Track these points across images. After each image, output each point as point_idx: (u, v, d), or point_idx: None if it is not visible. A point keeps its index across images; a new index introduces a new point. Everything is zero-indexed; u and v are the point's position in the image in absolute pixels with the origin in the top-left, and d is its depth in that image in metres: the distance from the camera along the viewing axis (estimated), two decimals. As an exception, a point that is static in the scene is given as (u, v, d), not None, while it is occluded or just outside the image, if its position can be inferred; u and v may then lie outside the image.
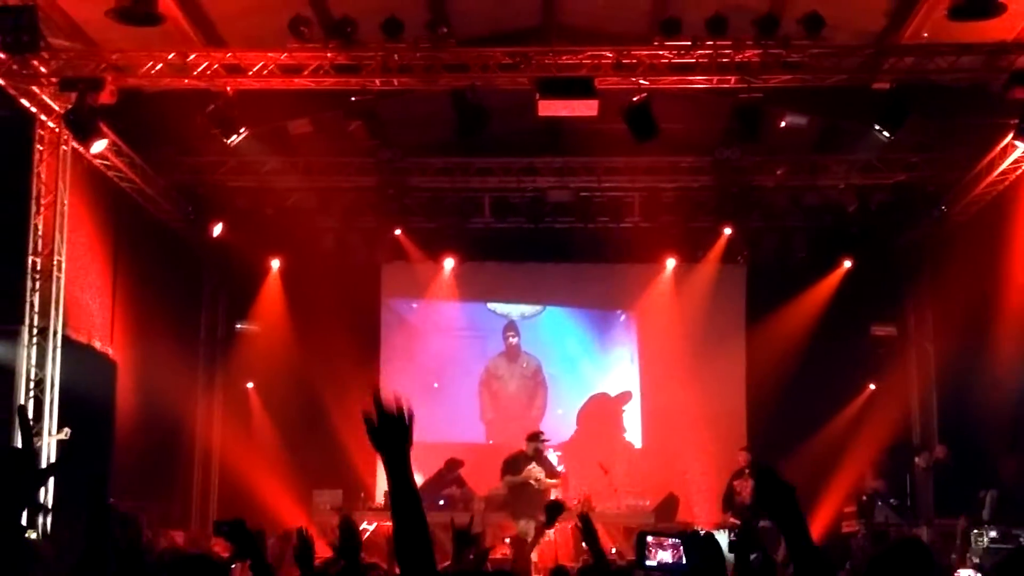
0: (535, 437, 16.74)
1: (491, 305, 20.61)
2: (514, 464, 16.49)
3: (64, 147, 14.34)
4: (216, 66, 13.74)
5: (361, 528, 12.60)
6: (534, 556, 14.84)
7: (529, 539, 15.08)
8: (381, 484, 17.77)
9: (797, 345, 18.73)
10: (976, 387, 16.83)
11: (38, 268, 14.04)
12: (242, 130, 14.50)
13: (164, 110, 14.72)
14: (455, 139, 15.49)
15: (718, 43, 13.50)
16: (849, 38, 14.37)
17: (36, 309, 14.01)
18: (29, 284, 13.97)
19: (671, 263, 19.62)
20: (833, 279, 19.21)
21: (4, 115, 13.78)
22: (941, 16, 13.25)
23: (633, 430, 20.10)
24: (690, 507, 18.63)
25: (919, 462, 17.44)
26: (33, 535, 12.56)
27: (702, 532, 5.73)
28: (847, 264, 19.14)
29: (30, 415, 13.53)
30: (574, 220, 18.87)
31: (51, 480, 12.43)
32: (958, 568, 14.18)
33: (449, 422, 19.75)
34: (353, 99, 14.22)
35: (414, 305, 20.53)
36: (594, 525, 6.68)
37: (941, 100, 14.82)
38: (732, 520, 16.38)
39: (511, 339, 20.42)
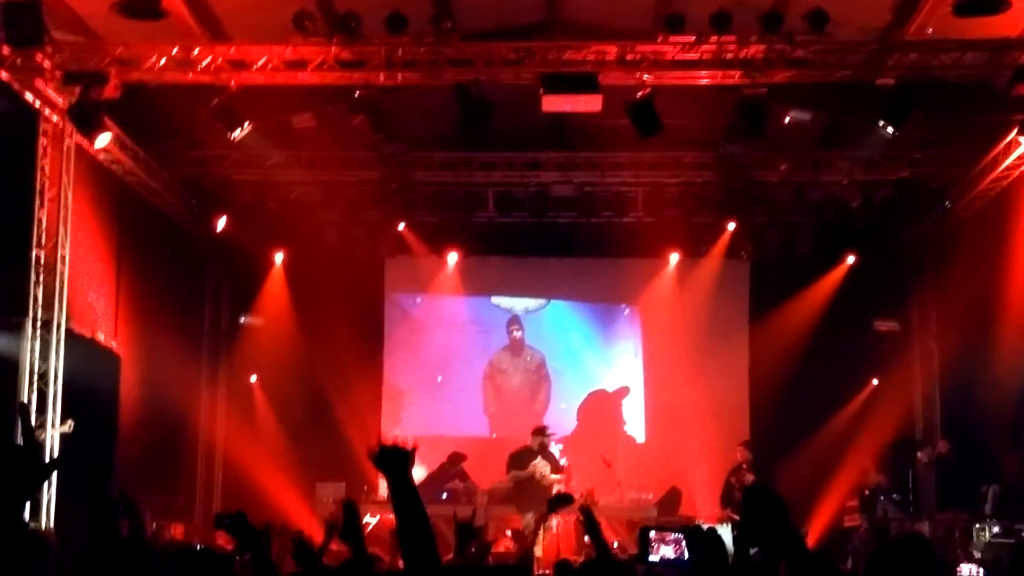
0: (541, 431, 16.73)
1: (495, 299, 20.62)
2: (520, 459, 16.49)
3: (68, 141, 14.36)
4: (220, 61, 13.73)
5: (364, 521, 12.57)
6: (538, 551, 14.85)
7: (529, 531, 15.13)
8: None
9: (800, 340, 18.74)
10: (979, 382, 16.83)
11: (42, 261, 14.04)
12: (246, 125, 14.48)
13: (168, 104, 14.71)
14: (459, 134, 15.48)
15: (722, 39, 13.48)
16: (853, 34, 14.34)
17: (40, 302, 14.01)
18: (33, 277, 13.97)
19: (675, 258, 19.62)
20: (837, 275, 19.21)
21: (8, 109, 13.77)
22: (946, 12, 13.27)
23: (636, 424, 20.12)
24: (693, 501, 18.66)
25: (921, 457, 17.45)
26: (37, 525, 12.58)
27: (705, 527, 5.72)
28: (851, 260, 19.15)
29: (33, 408, 13.58)
30: (578, 215, 18.89)
31: (55, 473, 12.43)
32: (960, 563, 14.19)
33: (452, 416, 19.81)
34: (357, 94, 14.22)
35: (418, 299, 20.54)
36: (596, 518, 6.70)
37: (945, 96, 14.79)
38: (732, 516, 16.39)
39: (515, 333, 20.43)
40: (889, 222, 18.74)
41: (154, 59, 13.68)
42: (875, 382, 19.45)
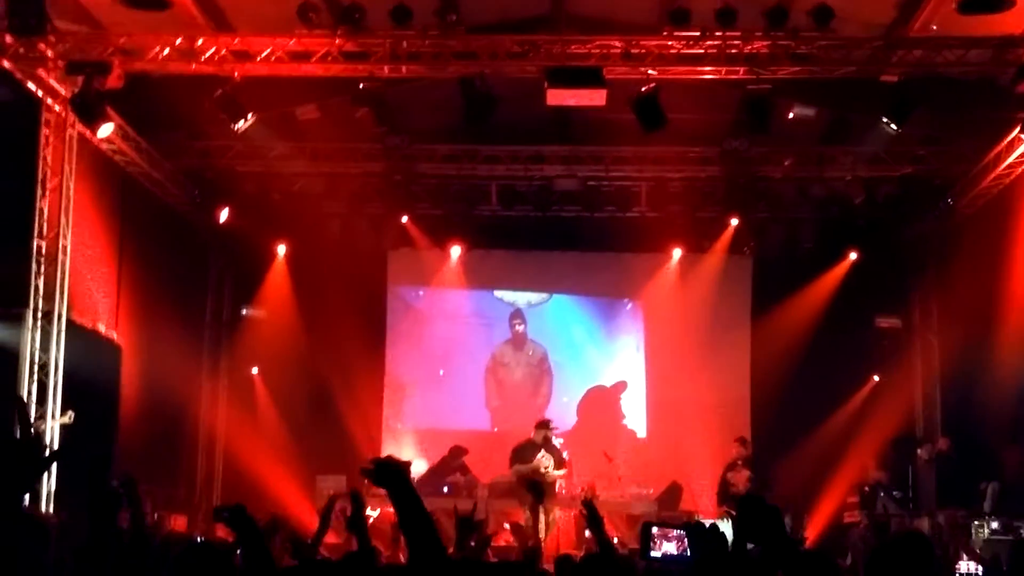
0: (544, 425, 16.70)
1: (497, 293, 20.61)
2: (523, 453, 16.46)
3: (70, 131, 14.34)
4: (224, 51, 13.72)
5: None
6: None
7: (528, 524, 15.19)
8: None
9: (802, 336, 18.74)
10: (980, 380, 16.83)
11: (43, 252, 14.03)
12: (249, 116, 14.46)
13: (171, 94, 14.66)
14: (463, 126, 15.48)
15: (727, 34, 13.49)
16: (858, 30, 14.32)
17: (40, 293, 13.99)
18: (34, 268, 13.95)
19: (678, 253, 19.59)
20: (839, 271, 19.21)
21: (10, 98, 13.76)
22: (950, 9, 13.25)
23: (637, 419, 20.11)
24: (693, 496, 18.65)
25: (922, 454, 17.44)
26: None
27: (707, 523, 5.71)
28: (853, 256, 19.16)
29: (34, 399, 13.57)
30: (581, 209, 18.87)
31: (54, 464, 12.43)
32: (958, 560, 14.19)
33: (454, 409, 19.80)
34: (361, 86, 14.20)
35: (420, 292, 20.53)
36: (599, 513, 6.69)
37: (949, 93, 14.78)
38: (730, 512, 16.37)
39: (517, 327, 20.42)
40: (892, 219, 18.74)
41: (157, 49, 13.67)
42: (876, 378, 19.45)
